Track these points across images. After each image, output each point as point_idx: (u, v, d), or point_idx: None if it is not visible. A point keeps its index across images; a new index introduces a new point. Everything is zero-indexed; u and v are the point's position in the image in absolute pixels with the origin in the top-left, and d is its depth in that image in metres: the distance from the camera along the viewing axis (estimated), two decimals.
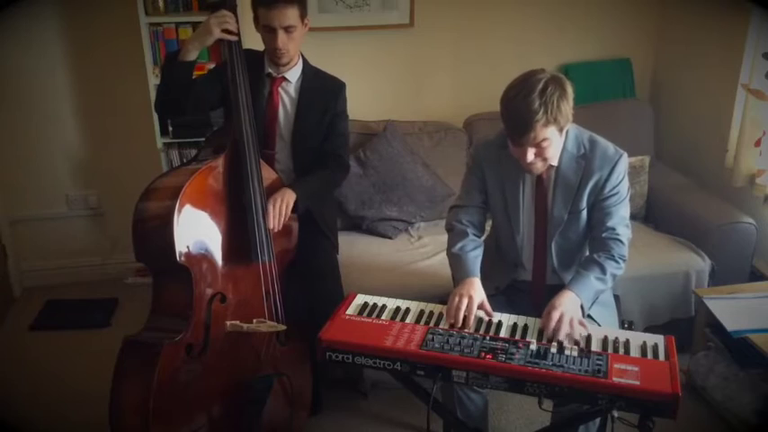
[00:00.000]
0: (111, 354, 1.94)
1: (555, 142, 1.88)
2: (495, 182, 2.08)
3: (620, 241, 1.99)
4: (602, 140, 2.01)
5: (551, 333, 1.79)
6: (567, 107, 1.83)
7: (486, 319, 1.89)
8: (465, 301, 1.88)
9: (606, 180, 1.97)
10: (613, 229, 1.99)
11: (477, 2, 3.35)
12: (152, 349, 1.87)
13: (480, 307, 1.90)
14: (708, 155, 3.25)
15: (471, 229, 2.12)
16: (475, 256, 2.04)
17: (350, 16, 3.24)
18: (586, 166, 1.98)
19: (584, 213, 2.02)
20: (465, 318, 1.87)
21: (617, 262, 1.98)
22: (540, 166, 1.92)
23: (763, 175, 2.87)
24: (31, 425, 2.50)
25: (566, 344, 1.76)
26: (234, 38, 2.13)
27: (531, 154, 1.85)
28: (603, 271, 1.95)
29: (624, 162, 1.99)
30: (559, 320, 1.79)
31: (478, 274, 2.00)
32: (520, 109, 1.78)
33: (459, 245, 2.07)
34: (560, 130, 1.87)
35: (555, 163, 1.97)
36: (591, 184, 1.98)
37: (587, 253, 2.07)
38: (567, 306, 1.83)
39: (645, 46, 3.57)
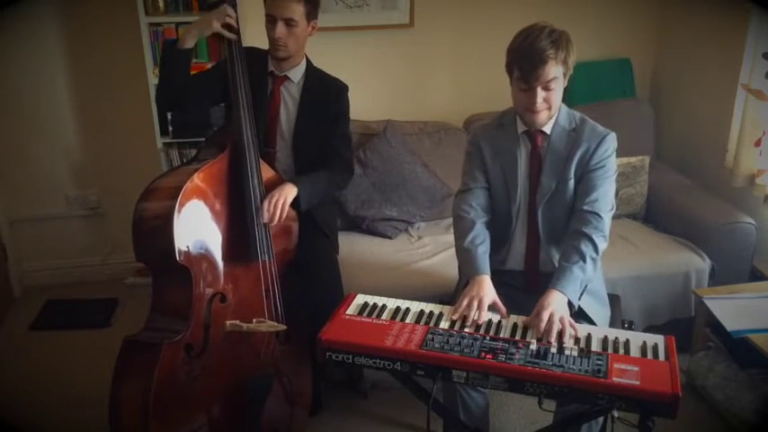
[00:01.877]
0: (111, 354, 1.95)
1: (560, 88, 1.95)
2: (494, 157, 2.12)
3: (600, 216, 2.00)
4: (592, 121, 2.09)
5: (542, 333, 1.80)
6: (573, 55, 1.93)
7: (497, 319, 1.88)
8: (475, 304, 1.88)
9: (594, 152, 2.02)
10: (595, 201, 2.01)
11: (477, 2, 3.35)
12: (152, 349, 1.87)
13: (493, 306, 1.91)
14: (708, 155, 3.25)
15: (480, 213, 2.12)
16: (484, 251, 2.04)
17: (350, 16, 3.24)
18: (576, 138, 2.04)
19: (572, 184, 2.05)
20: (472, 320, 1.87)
21: (595, 244, 1.97)
22: (544, 117, 1.98)
23: (763, 175, 2.87)
24: (31, 425, 2.50)
25: (557, 341, 1.77)
26: (232, 36, 2.13)
27: (540, 97, 1.92)
28: (584, 258, 1.96)
29: (612, 139, 2.05)
30: (550, 320, 1.80)
31: (488, 271, 2.00)
32: (532, 47, 1.88)
33: (468, 237, 2.06)
34: (565, 75, 1.94)
35: (550, 126, 2.04)
36: (579, 154, 2.03)
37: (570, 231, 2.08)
38: (556, 306, 1.84)
39: (645, 46, 3.57)
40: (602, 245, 2.01)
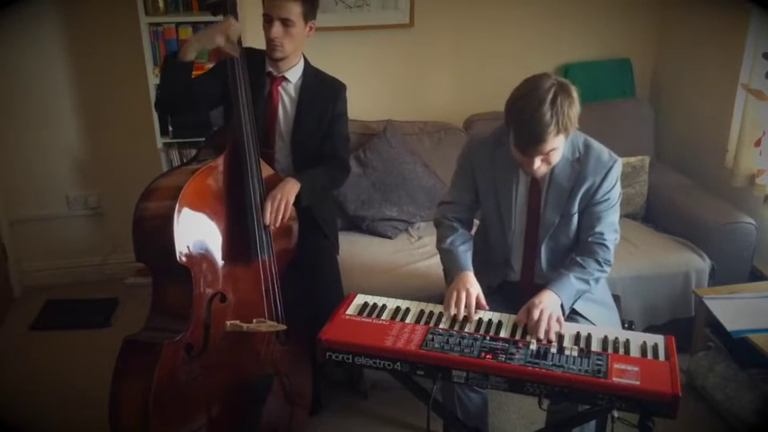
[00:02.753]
0: (111, 354, 1.94)
1: (561, 148, 1.90)
2: (487, 181, 2.09)
3: (606, 246, 2.01)
4: (596, 145, 2.01)
5: (531, 329, 1.81)
6: (575, 114, 1.83)
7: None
8: (464, 295, 1.90)
9: (599, 186, 1.98)
10: (601, 234, 2.01)
11: (476, 2, 3.35)
12: (152, 349, 1.87)
13: (476, 300, 1.92)
14: (708, 155, 3.25)
15: (458, 224, 2.15)
16: (465, 251, 2.07)
17: (350, 16, 3.24)
18: (580, 170, 1.98)
19: (576, 218, 2.03)
20: (465, 315, 1.89)
21: (600, 265, 2.00)
22: (543, 170, 1.93)
23: (763, 175, 2.87)
24: (31, 425, 2.50)
25: (542, 340, 1.78)
26: (234, 51, 2.11)
27: (538, 161, 1.86)
28: (585, 272, 1.97)
29: (617, 168, 2.00)
30: (539, 319, 1.81)
31: (471, 268, 2.02)
32: (532, 122, 1.77)
33: (449, 239, 2.09)
34: (567, 136, 1.87)
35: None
36: (583, 189, 1.99)
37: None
38: (547, 304, 1.85)
39: (645, 46, 3.57)
40: (608, 269, 2.02)
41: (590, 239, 2.01)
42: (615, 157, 2.00)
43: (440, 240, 2.13)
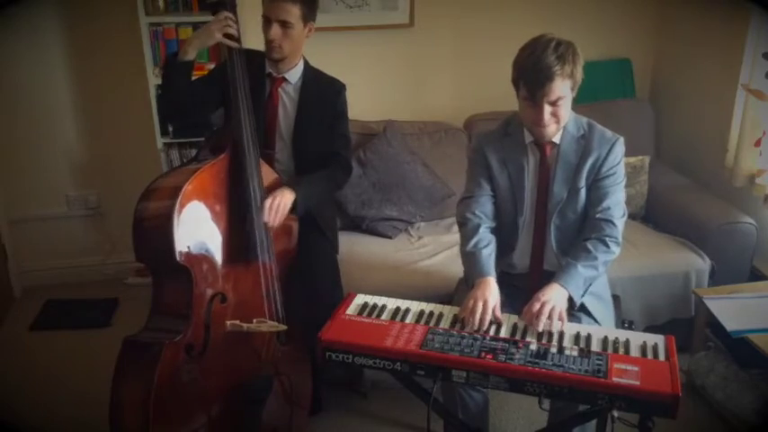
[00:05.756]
0: (111, 354, 1.94)
1: (567, 102, 1.93)
2: (500, 165, 2.10)
3: (613, 223, 2.01)
4: (599, 125, 2.07)
5: (530, 321, 1.82)
6: (580, 66, 1.89)
7: (494, 325, 1.88)
8: (480, 305, 1.87)
9: (604, 159, 2.01)
10: (608, 209, 2.02)
11: (477, 2, 3.35)
12: (152, 349, 1.87)
13: (493, 311, 1.90)
14: (708, 155, 3.25)
15: (484, 220, 2.10)
16: (489, 254, 2.03)
17: (350, 16, 3.24)
18: (586, 145, 2.02)
19: (583, 192, 2.04)
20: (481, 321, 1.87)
21: (607, 246, 1.99)
22: (553, 130, 1.96)
23: (763, 175, 2.87)
24: (32, 425, 2.50)
25: (542, 340, 1.78)
26: (234, 44, 2.13)
27: (547, 113, 1.89)
28: (593, 257, 1.96)
29: (621, 145, 2.03)
30: (539, 312, 1.81)
31: (493, 273, 1.99)
32: (539, 62, 1.84)
33: (472, 241, 2.05)
34: (573, 89, 1.91)
35: (559, 135, 2.01)
36: (590, 162, 2.02)
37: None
38: (550, 297, 1.85)
39: (645, 46, 3.57)
40: (616, 249, 2.02)
41: (597, 216, 2.02)
42: (618, 136, 2.04)
43: (463, 243, 2.09)
